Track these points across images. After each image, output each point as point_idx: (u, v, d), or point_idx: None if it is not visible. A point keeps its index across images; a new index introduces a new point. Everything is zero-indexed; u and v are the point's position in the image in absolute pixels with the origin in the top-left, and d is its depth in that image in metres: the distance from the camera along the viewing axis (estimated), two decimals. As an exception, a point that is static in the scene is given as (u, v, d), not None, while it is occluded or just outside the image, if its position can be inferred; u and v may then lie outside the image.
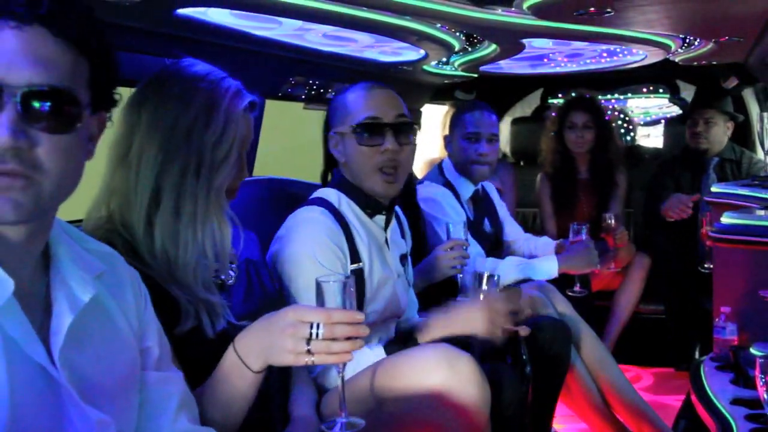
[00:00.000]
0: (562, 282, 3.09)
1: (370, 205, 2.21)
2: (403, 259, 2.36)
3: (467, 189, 3.35)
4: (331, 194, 2.21)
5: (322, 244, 2.04)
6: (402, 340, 2.06)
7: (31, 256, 1.13)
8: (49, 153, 1.04)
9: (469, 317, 2.02)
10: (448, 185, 3.31)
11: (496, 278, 2.16)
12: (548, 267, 3.03)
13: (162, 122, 1.59)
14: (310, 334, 1.39)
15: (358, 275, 2.12)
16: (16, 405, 1.03)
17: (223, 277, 1.75)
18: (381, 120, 2.14)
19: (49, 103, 1.03)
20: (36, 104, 1.02)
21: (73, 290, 1.15)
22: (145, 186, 1.57)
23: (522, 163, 5.08)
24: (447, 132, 4.75)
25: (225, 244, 1.65)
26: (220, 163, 1.60)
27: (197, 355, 1.57)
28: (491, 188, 3.60)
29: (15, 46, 1.01)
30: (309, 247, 2.03)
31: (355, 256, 2.13)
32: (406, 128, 2.19)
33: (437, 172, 3.40)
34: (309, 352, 1.39)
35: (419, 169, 4.82)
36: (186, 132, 1.58)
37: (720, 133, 4.18)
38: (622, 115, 5.32)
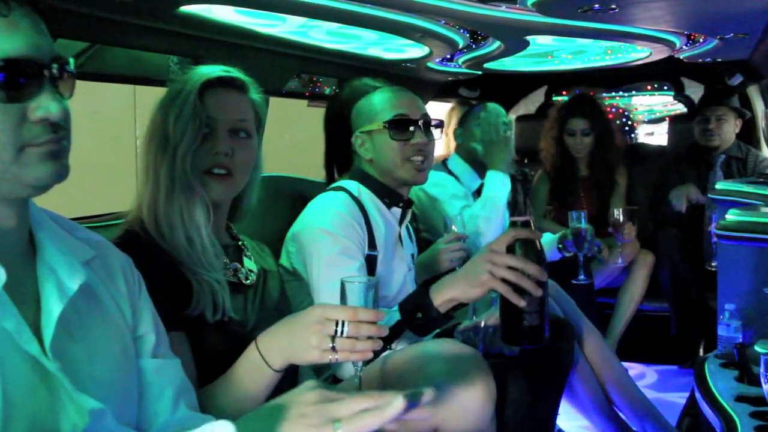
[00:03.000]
0: (567, 272, 3.09)
1: (388, 194, 2.33)
2: (412, 258, 2.47)
3: (474, 181, 3.44)
4: (350, 185, 2.32)
5: (342, 218, 2.16)
6: (415, 299, 1.97)
7: (19, 243, 1.14)
8: (68, 118, 1.11)
9: (469, 268, 1.86)
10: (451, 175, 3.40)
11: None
12: (493, 187, 3.17)
13: (151, 120, 1.75)
14: (335, 331, 1.39)
15: (372, 261, 2.21)
16: (10, 397, 1.03)
17: (240, 275, 1.80)
18: (410, 117, 2.29)
19: (67, 72, 1.10)
20: (63, 75, 1.09)
21: (61, 278, 1.15)
22: (141, 174, 1.73)
23: (526, 161, 5.07)
24: (446, 126, 4.77)
25: (195, 224, 1.69)
26: (180, 136, 1.69)
27: (197, 341, 1.61)
28: None
29: (26, 26, 1.05)
30: (329, 221, 2.15)
31: (371, 242, 2.23)
32: (432, 125, 2.35)
33: (440, 168, 3.47)
34: (333, 349, 1.40)
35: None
36: (161, 119, 1.72)
37: (730, 130, 4.20)
38: (626, 113, 5.32)
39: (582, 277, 3.13)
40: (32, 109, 1.05)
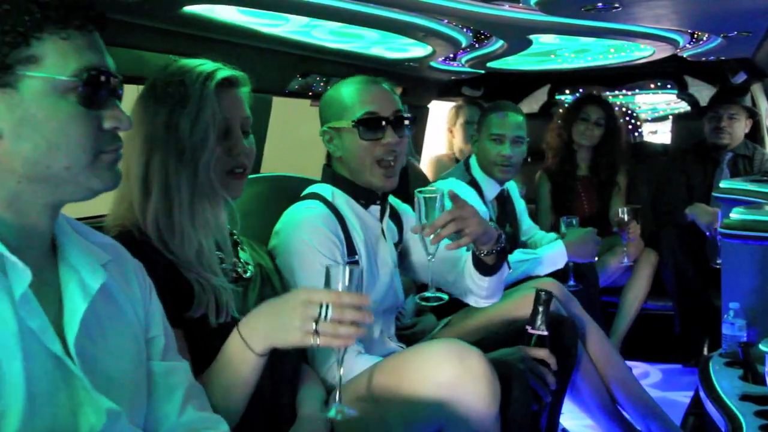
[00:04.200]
0: (558, 277, 3.09)
1: (363, 195, 2.24)
2: (396, 245, 2.38)
3: (493, 189, 3.36)
4: (323, 189, 2.24)
5: (319, 232, 2.07)
6: None
7: (45, 245, 1.17)
8: None
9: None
10: (474, 183, 3.30)
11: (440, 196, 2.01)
12: (555, 256, 3.06)
13: (143, 121, 1.66)
14: (319, 314, 1.41)
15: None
16: (33, 395, 1.05)
17: (239, 269, 1.78)
18: (380, 115, 2.17)
19: (122, 87, 1.19)
20: (121, 88, 1.18)
21: (84, 278, 1.18)
22: (137, 184, 1.64)
23: (529, 160, 5.05)
24: (451, 125, 4.77)
25: (220, 227, 1.69)
26: (200, 143, 1.64)
27: (199, 344, 1.60)
28: (513, 187, 3.59)
29: (100, 42, 1.16)
30: (307, 237, 2.05)
31: (351, 249, 2.15)
32: (404, 122, 2.22)
33: (463, 169, 3.39)
34: (316, 332, 1.41)
35: (425, 165, 4.81)
36: (165, 122, 1.64)
37: (741, 128, 4.18)
38: (629, 111, 5.31)
39: (571, 282, 3.13)
40: (106, 117, 1.14)
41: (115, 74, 1.15)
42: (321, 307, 1.41)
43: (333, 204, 2.19)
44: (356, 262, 2.15)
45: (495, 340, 2.34)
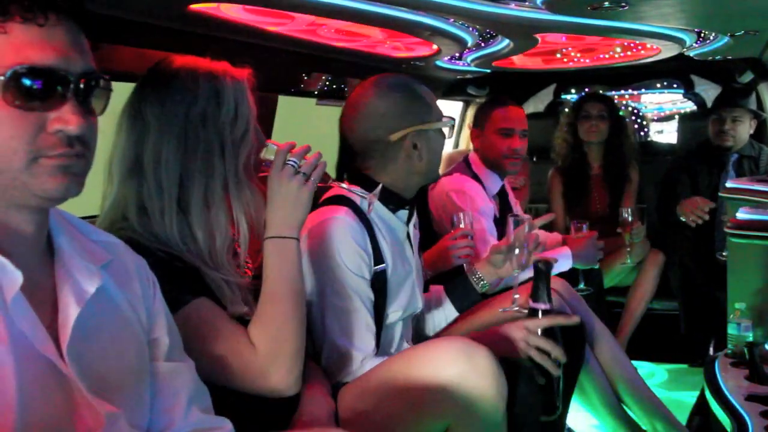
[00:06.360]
0: (567, 280, 3.09)
1: (393, 200, 2.21)
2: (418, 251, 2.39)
3: (495, 184, 3.37)
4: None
5: (349, 248, 2.02)
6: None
7: (38, 247, 1.14)
8: (94, 134, 1.12)
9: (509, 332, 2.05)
10: (476, 179, 3.31)
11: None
12: (560, 261, 3.06)
13: (173, 119, 1.60)
14: (294, 168, 1.63)
15: (381, 275, 2.11)
16: (26, 400, 1.03)
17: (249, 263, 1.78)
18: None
19: (100, 88, 1.12)
20: (90, 90, 1.10)
21: (79, 282, 1.15)
22: (172, 185, 1.60)
23: (535, 159, 5.06)
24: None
25: (260, 215, 1.68)
26: (241, 138, 1.64)
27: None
28: (506, 186, 3.60)
29: (63, 38, 1.07)
30: (336, 253, 2.01)
31: (378, 257, 2.11)
32: None
33: (464, 166, 3.39)
34: (307, 177, 1.63)
35: (444, 159, 4.79)
36: (201, 119, 1.61)
37: (745, 131, 4.16)
38: (635, 111, 5.31)
39: (582, 285, 3.13)
40: (51, 120, 1.06)
41: (67, 74, 1.06)
42: (289, 163, 1.62)
43: (361, 208, 2.11)
44: (383, 272, 2.12)
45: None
